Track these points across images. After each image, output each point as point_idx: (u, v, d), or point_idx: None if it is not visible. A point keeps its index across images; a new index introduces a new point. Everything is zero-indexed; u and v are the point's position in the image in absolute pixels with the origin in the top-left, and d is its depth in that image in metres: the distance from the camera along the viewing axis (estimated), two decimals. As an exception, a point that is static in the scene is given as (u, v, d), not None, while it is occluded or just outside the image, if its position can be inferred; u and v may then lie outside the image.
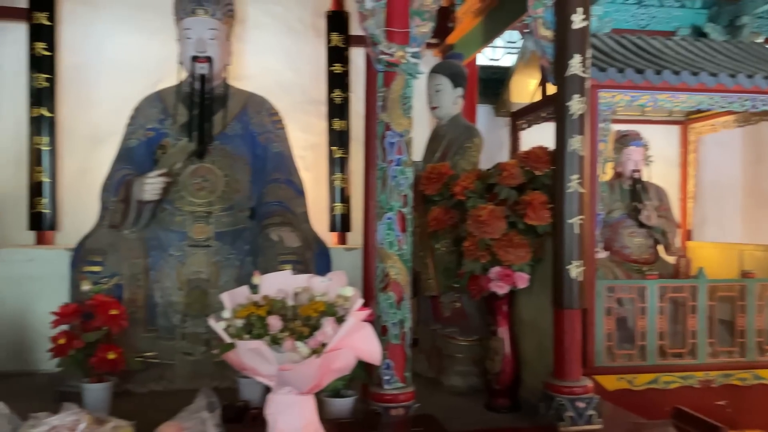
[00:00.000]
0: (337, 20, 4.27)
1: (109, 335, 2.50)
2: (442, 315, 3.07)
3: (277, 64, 4.28)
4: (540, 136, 3.98)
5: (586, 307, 2.50)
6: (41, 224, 3.84)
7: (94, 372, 2.46)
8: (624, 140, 4.28)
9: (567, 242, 2.39)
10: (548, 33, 2.50)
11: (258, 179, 3.42)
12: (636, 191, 4.19)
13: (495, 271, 2.52)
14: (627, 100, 3.53)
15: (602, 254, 4.00)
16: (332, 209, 4.29)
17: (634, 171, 4.23)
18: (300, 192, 3.50)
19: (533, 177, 2.58)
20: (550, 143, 2.59)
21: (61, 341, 2.45)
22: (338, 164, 4.29)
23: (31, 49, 3.85)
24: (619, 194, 4.24)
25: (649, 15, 4.97)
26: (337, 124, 4.29)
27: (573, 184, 2.38)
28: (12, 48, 3.92)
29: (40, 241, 3.88)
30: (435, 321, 3.13)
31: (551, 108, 4.55)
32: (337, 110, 4.29)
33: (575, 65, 2.38)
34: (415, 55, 2.33)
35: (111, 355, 2.44)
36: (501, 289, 2.52)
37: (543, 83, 4.71)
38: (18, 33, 3.90)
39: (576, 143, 2.38)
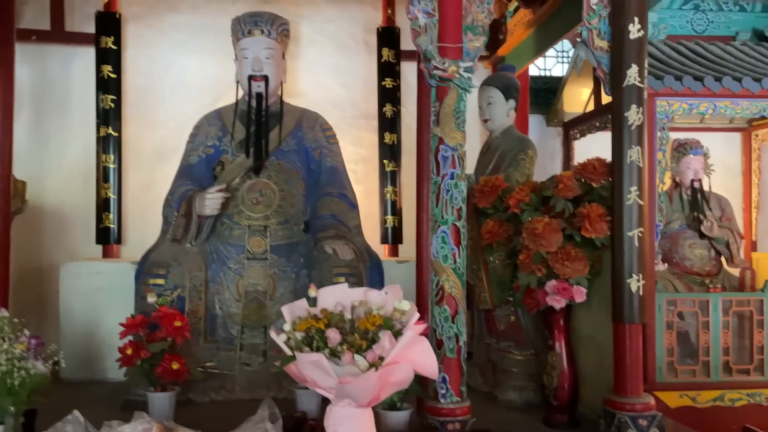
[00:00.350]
0: (388, 36, 4.34)
1: (173, 346, 2.59)
2: (496, 328, 3.04)
3: (329, 80, 4.38)
4: (594, 145, 3.92)
5: (647, 321, 2.43)
6: (108, 238, 4.02)
7: (159, 381, 2.55)
8: (683, 149, 4.16)
9: (626, 255, 2.34)
10: (603, 43, 2.47)
11: (312, 193, 3.49)
12: (696, 201, 4.06)
13: (551, 284, 2.49)
14: (685, 108, 3.44)
15: (661, 266, 3.89)
16: (384, 222, 4.33)
17: (694, 180, 4.10)
18: (353, 205, 3.54)
19: (590, 189, 2.55)
20: (604, 153, 2.55)
21: (129, 351, 2.55)
22: (389, 177, 4.33)
23: (99, 71, 4.06)
24: (679, 204, 4.11)
25: (706, 20, 4.84)
26: (388, 138, 4.34)
27: (632, 196, 2.34)
28: (81, 71, 4.15)
29: (107, 254, 4.06)
30: (489, 334, 3.11)
31: (605, 117, 4.51)
32: (388, 124, 4.34)
33: (632, 75, 2.34)
34: (468, 70, 2.34)
35: (175, 365, 2.52)
36: (558, 303, 2.49)
37: (596, 92, 4.64)
38: (87, 57, 4.12)
39: (634, 154, 2.34)
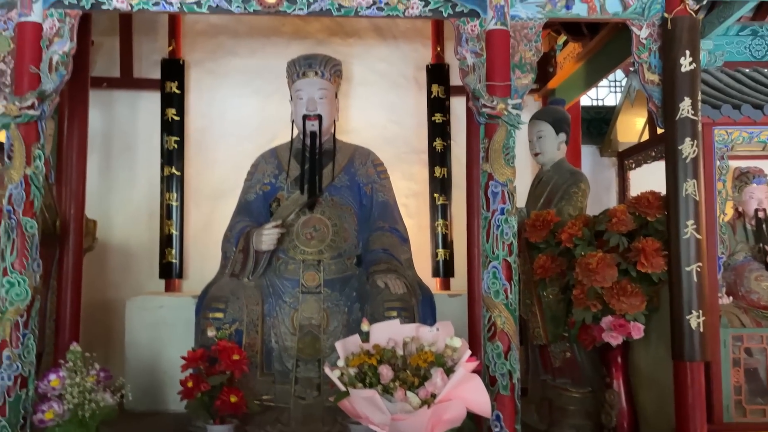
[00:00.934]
0: (437, 72, 4.42)
1: (231, 379, 2.66)
2: (551, 365, 2.99)
3: (380, 117, 4.47)
4: (651, 175, 3.85)
5: (711, 358, 2.35)
6: (170, 273, 4.19)
7: (218, 414, 2.62)
8: (745, 178, 4.00)
9: (685, 291, 2.29)
10: (655, 77, 2.46)
11: (364, 228, 3.54)
12: (761, 231, 3.89)
13: (607, 320, 2.45)
14: (745, 136, 3.34)
15: (726, 300, 3.73)
16: (435, 255, 4.34)
17: (758, 210, 3.93)
18: (404, 239, 3.57)
19: (645, 223, 2.51)
20: (662, 183, 2.51)
21: (189, 384, 2.63)
22: (440, 210, 4.36)
23: (164, 114, 4.29)
24: (743, 235, 3.95)
25: (765, 45, 4.70)
26: (439, 172, 4.38)
27: (689, 230, 2.29)
28: (147, 114, 4.39)
29: (169, 288, 4.22)
30: (544, 371, 3.06)
31: (662, 146, 4.41)
32: (439, 158, 4.38)
33: (685, 108, 2.32)
34: (517, 107, 2.37)
35: (233, 398, 2.59)
36: (614, 339, 2.44)
37: (651, 121, 4.56)
38: (152, 101, 4.36)
39: (690, 187, 2.30)
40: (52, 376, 2.16)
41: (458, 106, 4.33)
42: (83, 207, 2.94)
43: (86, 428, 2.13)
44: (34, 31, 2.37)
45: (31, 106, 2.30)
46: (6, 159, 2.34)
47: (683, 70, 2.33)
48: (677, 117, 2.34)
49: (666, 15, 2.41)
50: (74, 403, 2.08)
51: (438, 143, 4.38)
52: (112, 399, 2.21)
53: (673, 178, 2.35)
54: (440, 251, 4.32)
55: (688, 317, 2.26)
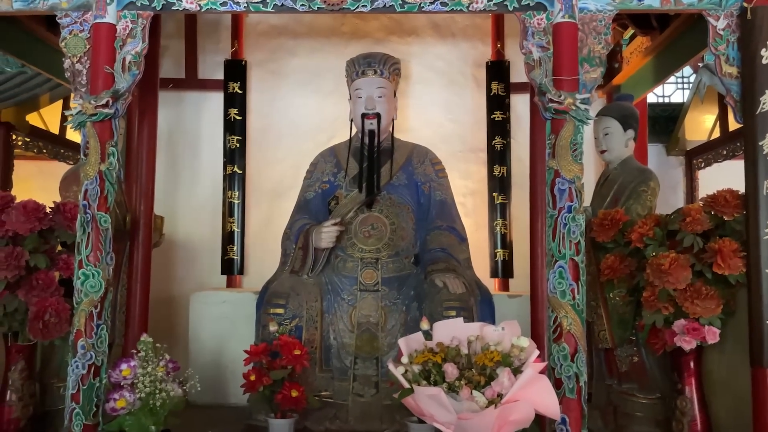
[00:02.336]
0: (497, 69, 4.35)
1: (292, 374, 2.69)
2: (617, 369, 2.88)
3: (439, 115, 4.45)
4: (722, 175, 3.68)
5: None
6: (232, 269, 4.28)
7: (279, 408, 2.66)
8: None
9: (765, 294, 2.17)
10: (733, 70, 2.34)
11: (422, 226, 3.53)
12: None
13: (680, 324, 2.34)
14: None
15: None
16: (494, 255, 4.27)
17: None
18: (462, 239, 3.54)
19: (721, 222, 2.39)
20: (734, 183, 2.39)
21: (252, 378, 2.68)
22: (499, 210, 4.29)
23: (226, 114, 4.39)
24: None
25: None
26: (498, 170, 4.31)
27: (770, 230, 2.17)
28: (210, 114, 4.51)
29: (230, 284, 4.31)
30: (609, 375, 2.95)
31: (734, 145, 4.22)
32: (498, 156, 4.32)
33: (767, 102, 2.19)
34: (585, 101, 2.30)
35: (294, 393, 2.61)
36: (688, 344, 2.33)
37: (722, 118, 4.37)
38: (215, 101, 4.47)
39: (771, 185, 2.18)
40: (124, 366, 2.24)
41: (519, 103, 4.26)
42: (152, 203, 3.03)
43: (156, 417, 2.19)
44: (109, 32, 2.45)
45: (106, 105, 2.38)
46: (82, 156, 2.44)
47: (764, 61, 2.21)
48: (758, 111, 2.22)
49: (745, 4, 2.29)
50: (145, 392, 2.15)
51: (497, 141, 4.31)
52: (180, 390, 2.26)
53: (752, 175, 2.22)
54: (499, 251, 4.25)
55: (767, 321, 2.14)
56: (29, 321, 2.45)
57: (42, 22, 3.64)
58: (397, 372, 1.83)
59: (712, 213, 2.40)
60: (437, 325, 2.00)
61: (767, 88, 2.22)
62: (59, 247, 2.68)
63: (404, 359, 1.86)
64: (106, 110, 2.39)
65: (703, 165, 4.77)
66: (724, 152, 4.35)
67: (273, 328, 2.86)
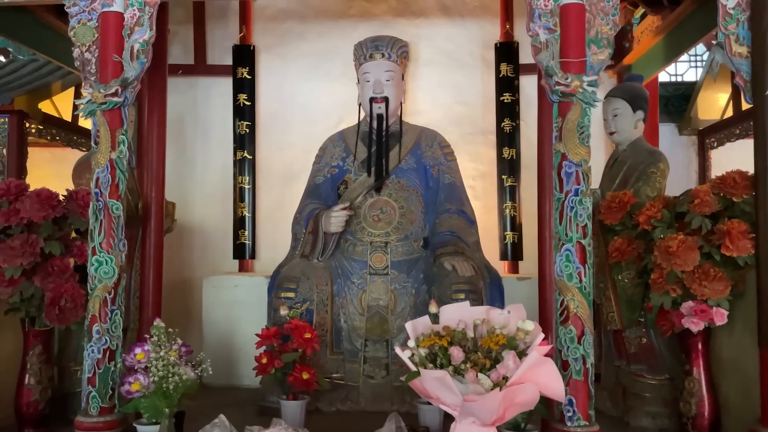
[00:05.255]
0: (506, 51, 4.31)
1: (303, 357, 2.73)
2: (626, 350, 2.90)
3: (448, 98, 4.43)
4: (735, 155, 3.64)
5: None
6: (243, 254, 4.33)
7: (291, 390, 2.70)
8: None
9: (774, 275, 2.16)
10: (743, 49, 2.31)
11: (431, 210, 3.54)
12: None
13: (688, 305, 2.34)
14: None
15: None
16: (503, 238, 4.28)
17: None
18: (471, 222, 3.55)
19: (730, 204, 2.38)
20: (745, 162, 2.37)
21: (264, 360, 2.72)
22: (509, 192, 4.28)
23: (236, 100, 4.40)
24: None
25: None
26: (507, 153, 4.30)
27: (779, 211, 2.16)
28: (220, 100, 4.52)
29: (242, 268, 4.36)
30: (618, 356, 2.97)
31: (747, 124, 4.17)
32: (507, 139, 4.30)
33: (777, 81, 2.17)
34: (592, 84, 2.28)
35: (305, 375, 2.66)
36: (696, 325, 2.34)
37: (735, 97, 4.31)
38: (224, 87, 4.49)
39: (781, 166, 2.16)
40: (138, 350, 2.29)
41: (528, 85, 4.22)
42: (163, 190, 3.07)
43: (170, 400, 2.24)
44: (117, 21, 2.47)
45: (115, 93, 2.41)
46: (93, 144, 2.47)
47: (775, 40, 2.18)
48: (768, 91, 2.19)
49: (757, -18, 2.25)
50: (159, 375, 2.20)
51: (506, 123, 4.29)
52: (193, 373, 2.31)
53: (762, 156, 2.21)
54: (508, 234, 4.25)
55: (777, 303, 2.14)
56: (45, 306, 2.51)
57: (52, 11, 3.67)
58: (404, 355, 1.86)
59: (721, 195, 2.39)
60: (444, 309, 2.02)
61: (778, 68, 2.19)
62: (73, 234, 2.73)
63: (411, 343, 1.89)
64: (116, 99, 2.42)
65: (716, 144, 4.72)
66: (737, 131, 4.29)
67: (284, 311, 2.90)
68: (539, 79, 2.42)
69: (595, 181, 3.31)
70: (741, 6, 2.32)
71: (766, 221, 2.18)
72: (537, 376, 1.73)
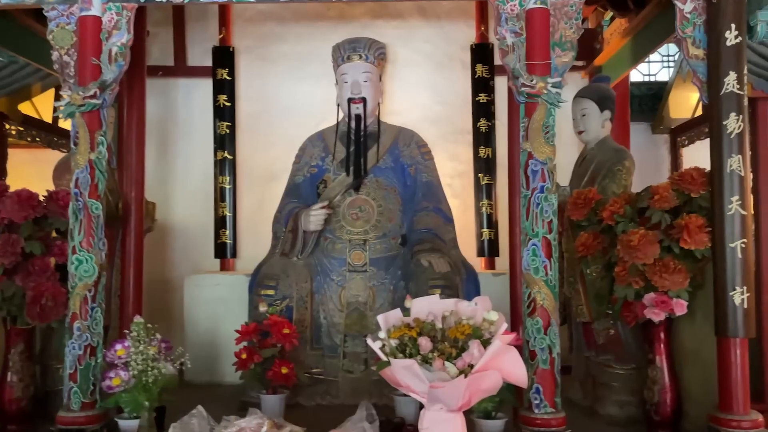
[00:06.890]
0: (481, 52, 4.40)
1: (282, 352, 2.80)
2: (595, 342, 3.00)
3: (425, 98, 4.50)
4: (705, 152, 3.76)
5: (753, 335, 2.33)
6: (225, 253, 4.37)
7: (271, 384, 2.77)
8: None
9: (729, 267, 2.27)
10: (699, 52, 2.42)
11: (408, 208, 3.62)
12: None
13: (650, 297, 2.45)
14: (804, 110, 3.22)
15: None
16: (480, 235, 4.36)
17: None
18: (448, 219, 3.63)
19: (688, 199, 2.48)
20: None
21: (243, 356, 2.79)
22: (485, 190, 4.37)
23: (216, 101, 4.44)
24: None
25: (830, 14, 4.47)
26: (483, 152, 4.38)
27: (733, 206, 2.27)
28: (200, 101, 4.56)
29: (223, 267, 4.41)
30: (588, 348, 3.07)
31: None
32: (483, 138, 4.38)
33: (730, 83, 2.28)
34: (556, 85, 2.37)
35: (284, 370, 2.73)
36: (657, 316, 2.44)
37: (704, 97, 4.44)
38: (204, 88, 4.52)
39: (734, 163, 2.27)
40: (118, 346, 2.35)
41: (503, 85, 4.24)
42: (143, 190, 3.11)
43: (150, 393, 2.30)
44: (95, 25, 2.52)
45: (94, 96, 2.46)
46: (72, 145, 2.52)
47: (728, 44, 2.29)
48: (722, 92, 2.31)
49: (712, -12, 2.36)
50: (138, 369, 2.26)
51: (482, 123, 4.38)
52: (173, 368, 2.37)
53: (717, 153, 2.32)
54: (485, 231, 4.34)
55: (731, 294, 2.25)
56: (27, 305, 2.55)
57: (31, 15, 3.69)
58: (375, 346, 1.94)
59: (680, 190, 2.49)
60: (416, 302, 2.09)
61: (731, 70, 2.30)
62: (54, 234, 2.77)
63: (382, 334, 1.96)
64: (94, 101, 2.47)
65: (687, 143, 4.85)
66: (707, 130, 4.41)
67: (263, 308, 2.96)
68: (509, 81, 2.51)
69: (566, 179, 3.42)
70: (697, 10, 2.43)
71: (722, 216, 2.29)
72: (501, 364, 1.81)
